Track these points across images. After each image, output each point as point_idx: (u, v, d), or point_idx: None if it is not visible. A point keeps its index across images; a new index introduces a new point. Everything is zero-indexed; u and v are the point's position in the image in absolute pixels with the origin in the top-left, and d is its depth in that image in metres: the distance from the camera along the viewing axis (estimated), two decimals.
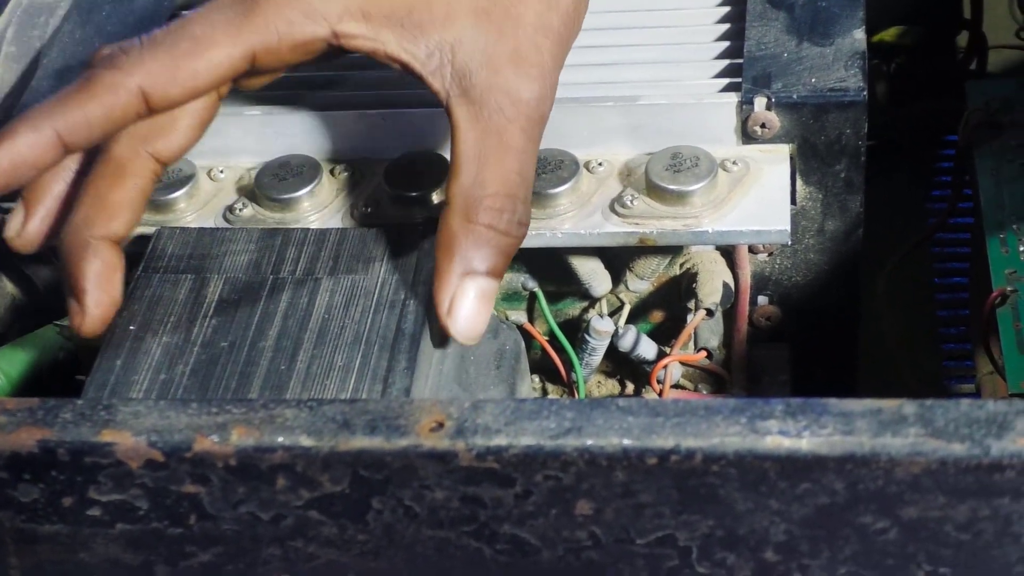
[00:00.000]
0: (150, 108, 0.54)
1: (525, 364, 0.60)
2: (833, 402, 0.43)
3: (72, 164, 0.57)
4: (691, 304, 0.64)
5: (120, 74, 0.53)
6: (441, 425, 0.45)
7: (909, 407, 0.43)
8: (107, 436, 0.46)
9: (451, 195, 0.54)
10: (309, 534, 0.47)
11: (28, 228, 0.56)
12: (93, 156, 0.56)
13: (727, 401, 0.44)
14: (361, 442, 0.45)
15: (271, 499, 0.46)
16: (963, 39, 0.90)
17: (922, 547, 0.44)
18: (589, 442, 0.44)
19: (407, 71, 0.55)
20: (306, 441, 0.45)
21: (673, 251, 0.64)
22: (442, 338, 0.55)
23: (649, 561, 0.46)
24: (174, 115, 0.55)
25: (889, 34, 0.87)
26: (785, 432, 0.43)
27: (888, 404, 0.43)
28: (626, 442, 0.43)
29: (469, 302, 0.53)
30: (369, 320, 0.55)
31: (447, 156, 0.62)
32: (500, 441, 0.44)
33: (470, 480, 0.45)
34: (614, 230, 0.60)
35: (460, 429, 0.44)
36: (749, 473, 0.43)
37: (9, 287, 0.70)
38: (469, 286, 0.53)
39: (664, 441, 0.43)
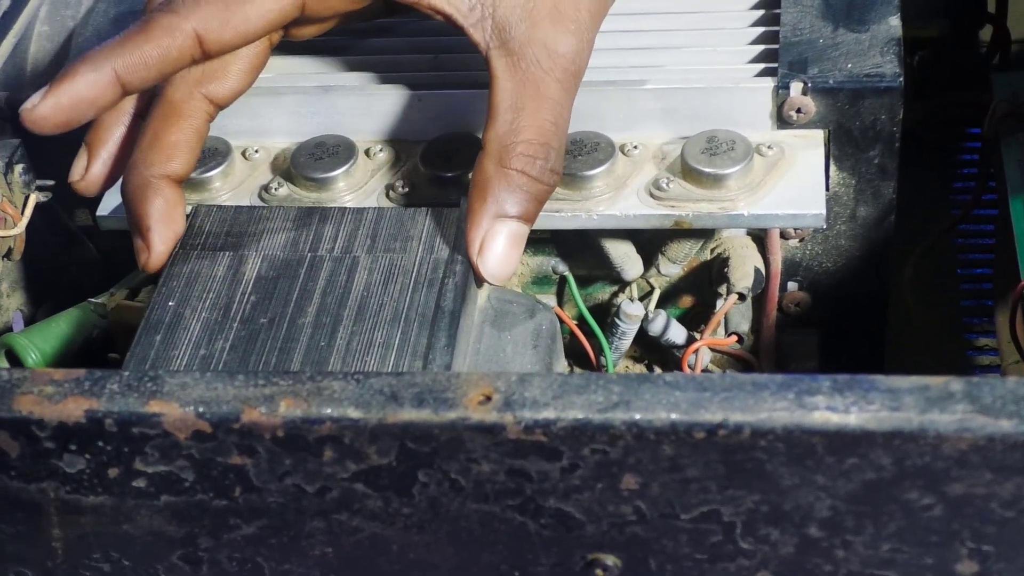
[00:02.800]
0: (204, 51, 0.56)
1: (560, 344, 0.60)
2: (880, 378, 0.44)
3: (130, 108, 0.59)
4: (722, 289, 0.64)
5: (176, 18, 0.55)
6: (489, 398, 0.45)
7: (956, 384, 0.43)
8: (155, 407, 0.46)
9: (487, 140, 0.56)
10: (354, 507, 0.47)
11: (92, 171, 0.59)
12: (150, 101, 0.58)
13: (774, 377, 0.44)
14: (409, 414, 0.45)
15: (317, 471, 0.46)
16: (986, 33, 0.90)
17: (967, 524, 0.44)
18: (637, 416, 0.44)
19: (449, 22, 0.57)
20: (354, 413, 0.45)
21: (706, 235, 0.64)
22: (477, 280, 0.57)
23: (693, 536, 0.46)
24: (226, 60, 0.57)
25: (914, 27, 0.87)
26: (833, 408, 0.43)
27: (935, 381, 0.43)
28: (674, 416, 0.44)
29: (499, 243, 0.55)
30: (408, 298, 0.55)
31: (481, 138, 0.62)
32: (548, 414, 0.44)
33: (517, 453, 0.45)
34: (650, 212, 0.60)
35: (508, 402, 0.45)
36: (796, 448, 0.43)
37: (43, 266, 0.70)
38: (500, 228, 0.55)
39: (712, 415, 0.43)
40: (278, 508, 0.47)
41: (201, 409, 0.46)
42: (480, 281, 0.56)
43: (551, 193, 0.57)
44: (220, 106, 0.58)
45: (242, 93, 0.58)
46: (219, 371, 0.52)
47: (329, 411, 0.45)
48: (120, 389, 0.47)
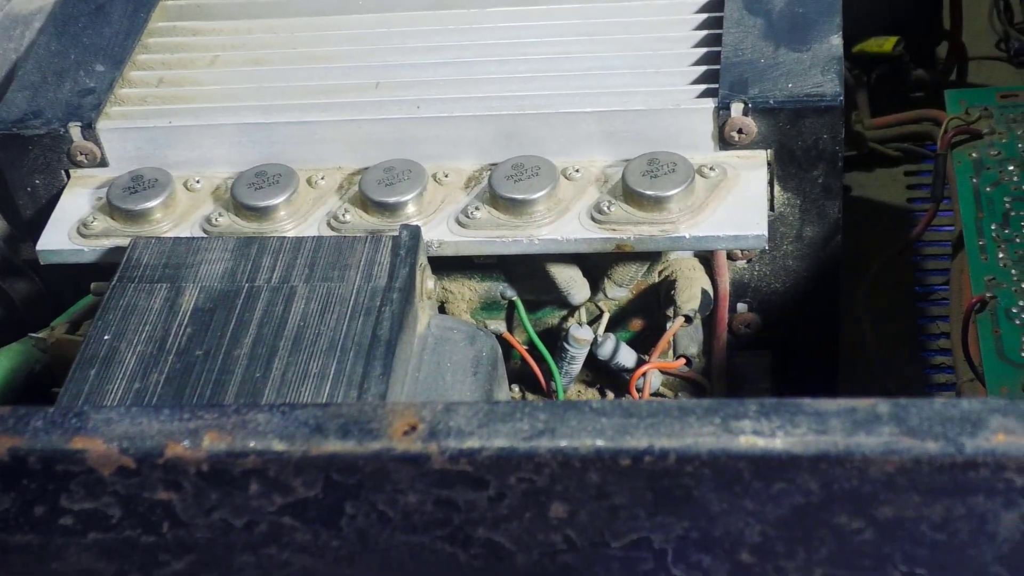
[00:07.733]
0: None
1: (502, 371, 0.60)
2: (807, 402, 0.43)
3: None
4: (670, 311, 0.64)
5: None
6: (414, 428, 0.44)
7: (883, 406, 0.43)
8: (78, 443, 0.45)
9: None
10: (282, 540, 0.46)
11: None
12: None
13: (701, 401, 0.44)
14: (334, 446, 0.44)
15: (244, 505, 0.46)
16: (943, 49, 0.90)
17: (898, 547, 0.44)
18: (562, 443, 0.43)
19: None
20: (278, 446, 0.45)
21: (651, 258, 0.64)
22: None
23: (624, 564, 0.45)
24: None
25: (870, 44, 0.87)
26: (759, 432, 0.43)
27: (862, 403, 0.43)
28: (599, 443, 0.43)
29: None
30: (344, 327, 0.55)
31: (423, 164, 0.62)
32: (473, 443, 0.44)
33: (443, 483, 0.44)
34: (591, 236, 0.60)
35: (433, 432, 0.44)
36: (723, 473, 0.43)
37: None
38: None
39: (637, 442, 0.43)
40: (207, 543, 0.47)
41: (125, 445, 0.45)
42: None
43: None
44: None
45: None
46: (145, 405, 0.51)
47: (253, 444, 0.45)
48: (44, 426, 0.46)
